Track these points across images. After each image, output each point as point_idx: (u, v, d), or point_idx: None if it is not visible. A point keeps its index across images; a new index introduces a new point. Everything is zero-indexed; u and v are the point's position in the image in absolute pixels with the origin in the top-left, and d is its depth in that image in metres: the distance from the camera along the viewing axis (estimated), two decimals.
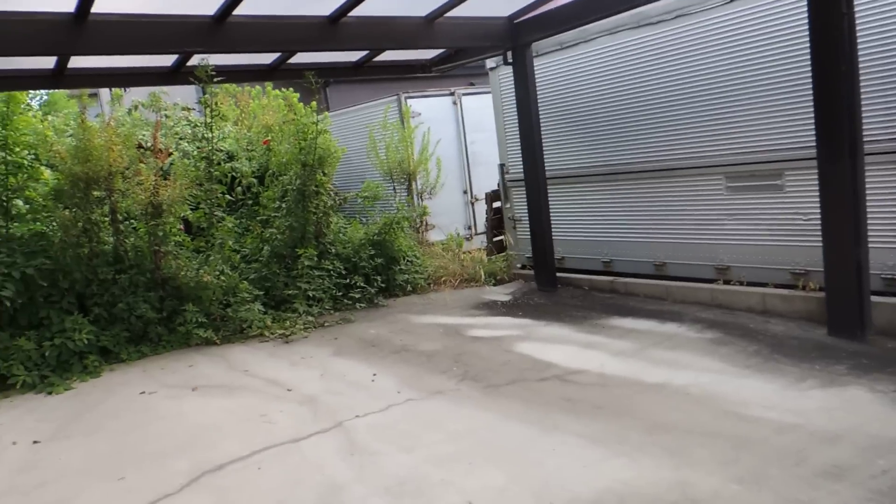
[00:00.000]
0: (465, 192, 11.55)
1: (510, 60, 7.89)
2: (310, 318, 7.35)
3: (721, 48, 6.40)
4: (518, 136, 8.33)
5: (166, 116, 10.14)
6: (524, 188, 8.42)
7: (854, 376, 4.42)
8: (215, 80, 7.01)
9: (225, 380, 5.82)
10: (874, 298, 5.24)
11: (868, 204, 5.14)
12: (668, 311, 6.50)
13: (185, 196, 7.24)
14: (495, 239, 9.58)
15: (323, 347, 6.53)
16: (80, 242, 6.72)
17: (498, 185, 9.37)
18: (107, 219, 7.12)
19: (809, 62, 5.32)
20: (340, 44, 6.77)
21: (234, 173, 9.26)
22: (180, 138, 9.48)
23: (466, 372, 5.38)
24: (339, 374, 5.69)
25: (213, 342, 6.93)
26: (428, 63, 8.83)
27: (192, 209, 7.67)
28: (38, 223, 7.05)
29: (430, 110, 11.16)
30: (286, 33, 6.41)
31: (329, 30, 6.57)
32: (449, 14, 7.10)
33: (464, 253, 9.95)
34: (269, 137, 9.29)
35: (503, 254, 9.22)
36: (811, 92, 5.40)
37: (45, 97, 12.71)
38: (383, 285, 8.40)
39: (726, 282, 6.55)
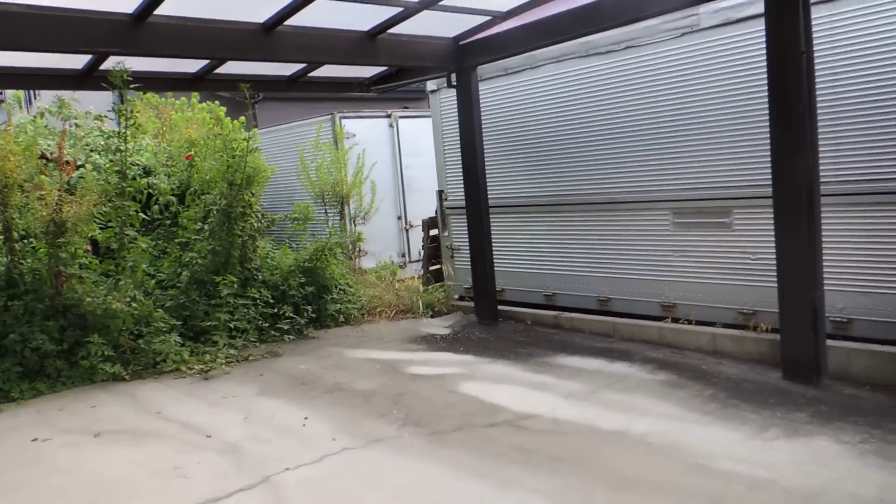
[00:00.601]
0: (399, 218, 11.14)
1: (454, 83, 7.60)
2: (232, 352, 6.70)
3: (670, 81, 6.30)
4: (458, 162, 8.04)
5: (76, 125, 9.28)
6: (464, 216, 8.10)
7: (817, 425, 4.24)
8: (132, 86, 6.35)
9: (134, 423, 5.13)
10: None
11: None
12: (616, 349, 6.26)
13: (94, 213, 6.51)
14: (432, 268, 9.20)
15: (247, 385, 5.93)
16: None
17: (436, 211, 9.01)
18: (1, 237, 6.30)
19: (761, 98, 5.25)
20: (275, 54, 6.29)
21: (150, 190, 8.52)
22: (91, 150, 8.66)
23: (408, 416, 4.93)
24: (266, 417, 5.12)
25: (122, 378, 6.19)
26: (367, 82, 8.43)
27: (101, 228, 6.92)
28: None
29: (366, 131, 10.73)
30: (215, 39, 5.88)
31: (263, 38, 6.09)
32: (392, 30, 6.76)
33: (398, 282, 9.51)
34: (193, 152, 8.60)
35: (440, 284, 8.83)
36: (762, 129, 5.33)
37: None
38: (314, 315, 7.84)
39: (674, 320, 6.38)
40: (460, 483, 3.83)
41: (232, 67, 7.18)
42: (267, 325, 7.40)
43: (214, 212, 7.60)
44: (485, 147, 7.69)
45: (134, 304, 6.47)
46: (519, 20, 6.90)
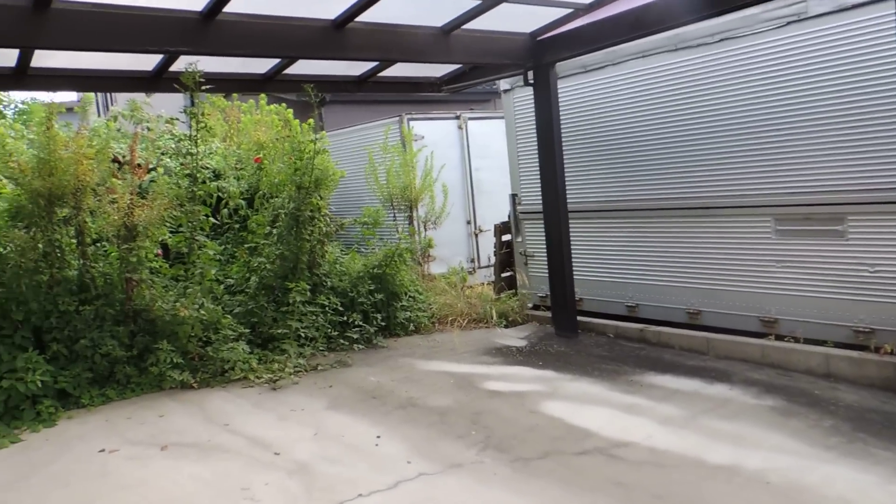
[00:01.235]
0: (468, 223, 10.77)
1: (531, 81, 7.19)
2: (300, 361, 6.47)
3: (772, 76, 5.74)
4: (532, 164, 7.66)
5: (148, 129, 9.29)
6: (538, 221, 7.68)
7: None
8: (203, 87, 6.20)
9: (201, 436, 4.93)
10: None
11: None
12: (713, 368, 5.72)
13: (165, 217, 6.39)
14: (504, 275, 8.79)
15: (316, 398, 5.67)
16: (39, 268, 5.82)
17: (508, 216, 8.61)
18: (74, 241, 6.25)
19: (883, 92, 4.66)
20: (345, 52, 6.01)
21: (220, 193, 8.42)
22: (162, 153, 8.63)
23: (488, 438, 4.55)
24: (336, 434, 4.83)
25: (190, 386, 6.04)
26: (437, 81, 8.11)
27: (171, 233, 6.80)
28: None
29: (434, 133, 10.41)
30: (284, 37, 5.64)
31: (334, 36, 5.82)
32: (467, 26, 6.40)
33: (468, 288, 9.15)
34: (261, 155, 8.46)
35: (513, 291, 8.43)
36: (884, 127, 4.74)
37: (21, 106, 11.79)
38: (383, 324, 7.55)
39: (778, 337, 5.80)
40: None
41: (300, 68, 6.98)
42: (335, 333, 7.15)
43: (283, 216, 7.41)
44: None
45: (202, 311, 6.31)
46: (600, 13, 6.44)
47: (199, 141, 6.67)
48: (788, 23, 5.64)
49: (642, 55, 6.77)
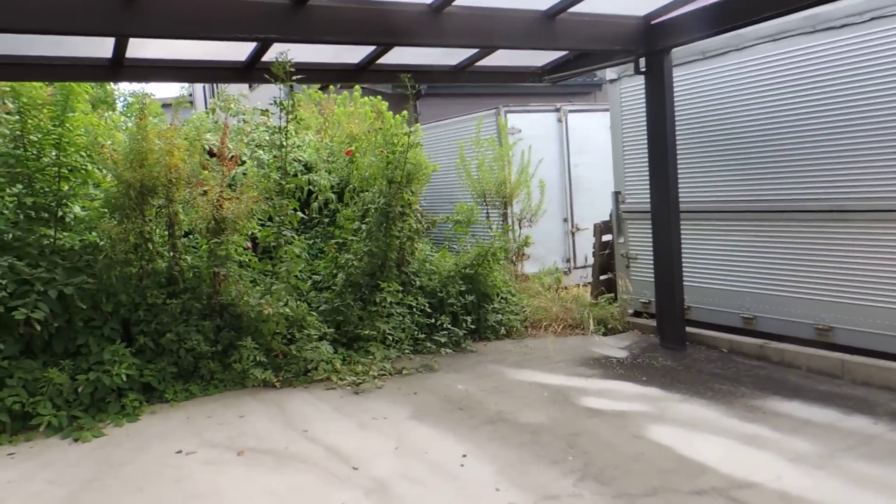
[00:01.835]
0: (565, 220, 10.20)
1: (642, 69, 6.57)
2: (385, 364, 6.18)
3: None
4: (639, 160, 7.05)
5: (244, 121, 9.29)
6: (644, 221, 7.08)
7: None
8: (294, 77, 5.99)
9: (279, 442, 4.70)
10: None
11: None
12: (850, 395, 4.97)
13: (254, 210, 6.25)
14: (603, 277, 8.20)
15: (400, 405, 5.34)
16: (129, 260, 5.79)
17: (610, 215, 8.01)
18: (165, 233, 6.21)
19: None
20: (443, 38, 5.63)
21: (310, 187, 8.27)
22: (256, 145, 8.58)
23: (586, 466, 4.06)
24: (419, 449, 4.47)
25: (272, 384, 5.88)
26: (539, 70, 7.59)
27: (261, 225, 6.67)
28: (93, 233, 6.22)
29: (532, 127, 9.89)
30: (378, 22, 5.31)
31: (431, 20, 5.45)
32: (573, 9, 5.87)
33: (563, 290, 8.61)
34: (353, 148, 8.24)
35: (612, 296, 7.83)
36: None
37: (128, 99, 12.20)
38: (472, 326, 7.14)
39: None
40: None
41: (394, 57, 6.65)
42: (423, 335, 6.81)
43: (372, 211, 7.15)
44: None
45: (287, 308, 6.12)
46: None
47: (289, 133, 6.48)
48: None
49: (772, 39, 6.02)
